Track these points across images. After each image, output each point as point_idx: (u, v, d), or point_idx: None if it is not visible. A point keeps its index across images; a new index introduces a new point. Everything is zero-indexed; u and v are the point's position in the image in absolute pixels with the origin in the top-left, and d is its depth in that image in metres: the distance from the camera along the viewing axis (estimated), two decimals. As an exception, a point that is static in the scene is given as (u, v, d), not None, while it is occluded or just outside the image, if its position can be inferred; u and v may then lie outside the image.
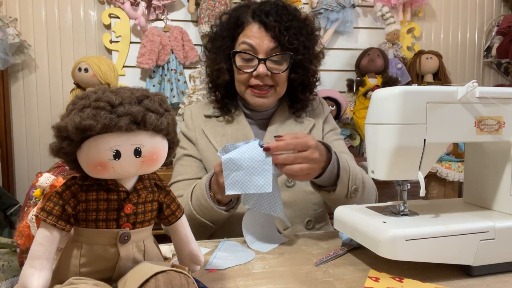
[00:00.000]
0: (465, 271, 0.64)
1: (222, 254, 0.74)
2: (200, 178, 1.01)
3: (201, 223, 0.86)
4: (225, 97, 1.06)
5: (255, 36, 0.96)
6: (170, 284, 0.44)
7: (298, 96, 1.05)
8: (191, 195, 0.88)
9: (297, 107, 1.06)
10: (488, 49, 2.54)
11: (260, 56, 0.95)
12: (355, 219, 0.71)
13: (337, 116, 2.12)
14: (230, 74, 1.03)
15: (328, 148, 0.84)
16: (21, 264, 0.95)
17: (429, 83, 2.30)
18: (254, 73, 0.96)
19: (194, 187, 0.90)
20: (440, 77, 2.33)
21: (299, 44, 0.95)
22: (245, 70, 0.98)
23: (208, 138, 1.03)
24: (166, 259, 0.70)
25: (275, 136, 0.79)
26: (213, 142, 1.02)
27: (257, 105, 1.02)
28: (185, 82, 2.14)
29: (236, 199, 0.86)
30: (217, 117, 1.07)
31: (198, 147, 1.05)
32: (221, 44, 1.02)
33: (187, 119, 1.09)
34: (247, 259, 0.72)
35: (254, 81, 0.98)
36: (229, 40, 1.01)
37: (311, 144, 0.77)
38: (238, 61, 0.99)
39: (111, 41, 2.11)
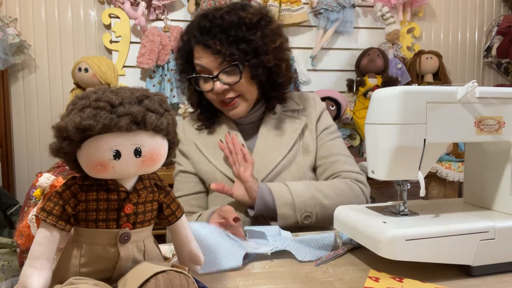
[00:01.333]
0: (465, 271, 0.64)
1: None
2: (197, 193, 1.06)
3: None
4: (205, 111, 1.08)
5: (202, 57, 0.96)
6: (170, 284, 0.44)
7: (270, 94, 1.04)
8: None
9: (272, 104, 1.06)
10: (488, 49, 2.54)
11: (214, 74, 0.96)
12: (355, 219, 0.71)
13: (337, 116, 2.12)
14: (202, 94, 1.04)
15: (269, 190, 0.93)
16: (21, 264, 0.95)
17: (429, 83, 2.30)
18: (213, 91, 0.97)
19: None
20: (440, 77, 2.33)
21: (240, 52, 0.94)
22: (207, 91, 0.99)
23: (201, 151, 1.04)
24: (166, 259, 0.70)
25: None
26: (206, 153, 1.03)
27: (232, 116, 1.03)
28: (185, 82, 2.14)
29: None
30: (208, 128, 1.08)
31: (191, 161, 1.06)
32: (185, 69, 1.03)
33: (179, 133, 1.09)
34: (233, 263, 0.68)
35: (219, 97, 0.99)
36: (189, 65, 1.02)
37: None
38: (200, 84, 1.00)
39: (111, 41, 2.11)
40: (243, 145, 0.95)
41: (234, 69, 0.96)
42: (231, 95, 0.98)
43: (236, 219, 0.80)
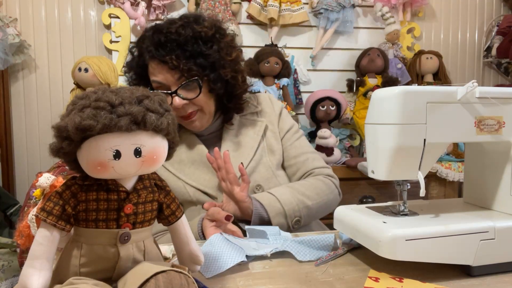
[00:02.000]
0: (465, 271, 0.64)
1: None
2: None
3: None
4: None
5: (159, 73, 0.95)
6: (170, 284, 0.44)
7: (227, 106, 1.04)
8: None
9: (229, 116, 1.06)
10: (488, 49, 2.54)
11: (172, 89, 0.95)
12: (355, 219, 0.71)
13: (337, 116, 2.12)
14: None
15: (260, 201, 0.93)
16: (21, 264, 0.95)
17: (429, 83, 2.30)
18: (172, 107, 0.95)
19: None
20: (440, 77, 2.32)
21: (198, 67, 0.93)
22: None
23: (167, 168, 1.02)
24: (166, 259, 0.70)
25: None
26: (172, 170, 1.02)
27: (193, 129, 1.02)
28: (185, 82, 2.14)
29: None
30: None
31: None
32: (138, 84, 1.02)
33: None
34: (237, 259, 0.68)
35: (179, 112, 0.97)
36: (143, 79, 1.01)
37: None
38: None
39: (111, 41, 2.11)
40: (242, 164, 0.93)
41: (193, 84, 0.95)
42: (190, 109, 0.97)
43: (228, 217, 0.81)
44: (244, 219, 0.93)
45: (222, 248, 0.70)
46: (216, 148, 0.93)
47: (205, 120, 1.02)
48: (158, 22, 1.00)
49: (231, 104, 1.04)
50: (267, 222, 0.91)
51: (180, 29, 0.93)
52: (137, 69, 1.01)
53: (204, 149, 1.02)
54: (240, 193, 0.91)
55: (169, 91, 0.95)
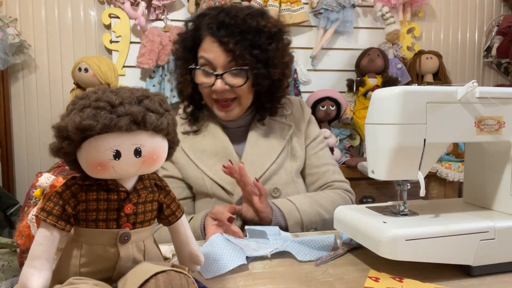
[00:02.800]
0: (465, 271, 0.64)
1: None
2: (183, 199, 1.03)
3: None
4: (194, 104, 1.06)
5: (211, 51, 0.94)
6: (170, 284, 0.44)
7: (264, 105, 1.04)
8: None
9: (263, 115, 1.05)
10: (488, 49, 2.54)
11: (218, 71, 0.94)
12: (355, 219, 0.71)
13: (337, 116, 2.12)
14: (196, 86, 1.02)
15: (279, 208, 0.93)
16: (21, 264, 0.95)
17: (429, 83, 2.30)
18: (212, 88, 0.95)
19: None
20: (440, 77, 2.32)
21: (253, 58, 0.93)
22: (205, 85, 0.97)
23: (188, 155, 1.02)
24: (166, 259, 0.70)
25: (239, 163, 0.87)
26: (193, 158, 1.01)
27: (222, 118, 1.01)
28: (185, 82, 2.14)
29: None
30: (195, 132, 1.06)
31: (178, 166, 1.04)
32: (184, 56, 1.01)
33: None
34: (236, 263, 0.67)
35: (216, 95, 0.97)
36: (191, 53, 1.00)
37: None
38: (198, 76, 0.98)
39: (111, 41, 2.11)
40: (256, 179, 0.91)
41: (242, 72, 0.94)
42: (228, 95, 0.97)
43: (230, 219, 0.80)
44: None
45: (223, 250, 0.70)
46: (229, 163, 0.90)
47: (238, 111, 1.01)
48: (223, 4, 1.00)
49: (268, 105, 1.03)
50: (283, 229, 0.90)
51: (247, 17, 0.94)
52: (188, 42, 1.00)
53: (229, 144, 1.02)
54: (258, 203, 0.90)
55: (214, 72, 0.95)
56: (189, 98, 1.06)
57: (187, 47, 1.01)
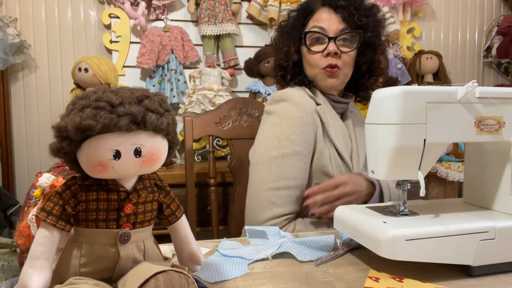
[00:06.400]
0: (465, 271, 0.64)
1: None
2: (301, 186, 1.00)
3: None
4: (294, 75, 1.10)
5: (324, 20, 1.01)
6: (170, 284, 0.44)
7: (363, 82, 1.09)
8: None
9: (362, 95, 1.11)
10: (488, 49, 2.54)
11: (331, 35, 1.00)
12: (355, 219, 0.71)
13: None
14: (300, 59, 1.07)
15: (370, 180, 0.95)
16: (21, 264, 0.95)
17: (429, 83, 2.30)
18: (325, 52, 1.00)
19: None
20: (440, 77, 2.32)
21: (368, 22, 1.01)
22: (315, 50, 1.02)
23: (326, 128, 1.01)
24: (166, 259, 0.70)
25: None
26: (332, 134, 1.01)
27: (327, 86, 1.04)
28: (185, 82, 2.14)
29: None
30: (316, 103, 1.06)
31: (314, 140, 0.99)
32: (291, 31, 1.06)
33: (298, 100, 1.00)
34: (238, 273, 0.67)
35: (326, 60, 1.00)
36: (299, 26, 1.06)
37: (339, 182, 0.90)
38: (309, 43, 1.03)
39: (111, 41, 2.11)
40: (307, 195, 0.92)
41: (353, 38, 1.02)
42: (336, 62, 1.01)
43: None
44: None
45: (225, 263, 0.70)
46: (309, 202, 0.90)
47: (341, 81, 1.04)
48: None
49: (368, 83, 1.09)
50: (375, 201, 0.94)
51: None
52: (303, 13, 1.06)
53: (339, 119, 1.06)
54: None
55: (326, 35, 1.00)
56: (291, 67, 1.08)
57: (296, 21, 1.06)
